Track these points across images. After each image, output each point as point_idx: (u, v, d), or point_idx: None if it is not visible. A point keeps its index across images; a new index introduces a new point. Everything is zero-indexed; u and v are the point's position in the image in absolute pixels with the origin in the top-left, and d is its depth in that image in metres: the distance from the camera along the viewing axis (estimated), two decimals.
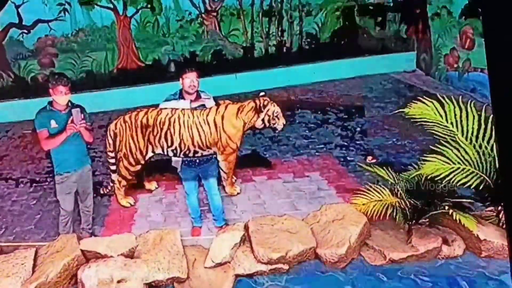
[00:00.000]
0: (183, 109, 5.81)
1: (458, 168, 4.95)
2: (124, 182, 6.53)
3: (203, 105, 5.87)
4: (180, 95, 5.81)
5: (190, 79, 5.63)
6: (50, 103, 5.53)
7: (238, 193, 6.74)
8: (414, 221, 5.23)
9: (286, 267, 4.92)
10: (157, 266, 4.76)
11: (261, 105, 5.87)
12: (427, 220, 5.20)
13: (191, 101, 5.83)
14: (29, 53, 11.53)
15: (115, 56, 12.13)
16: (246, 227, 5.22)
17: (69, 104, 5.59)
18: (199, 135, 5.70)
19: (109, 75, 12.07)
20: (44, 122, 5.51)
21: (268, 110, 5.87)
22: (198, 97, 5.83)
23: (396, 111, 5.50)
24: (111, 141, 6.38)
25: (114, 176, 6.63)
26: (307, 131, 9.35)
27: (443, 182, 4.96)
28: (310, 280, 4.87)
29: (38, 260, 4.93)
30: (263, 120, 5.92)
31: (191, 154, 5.81)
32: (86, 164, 5.85)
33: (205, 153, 5.85)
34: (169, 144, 5.79)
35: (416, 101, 5.27)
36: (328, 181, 7.24)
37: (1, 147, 9.58)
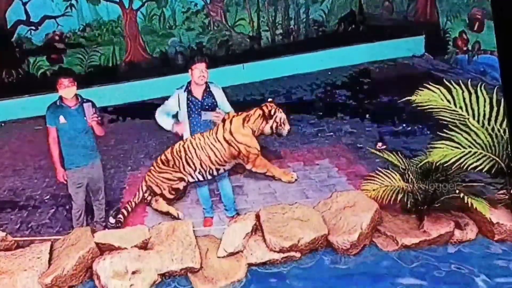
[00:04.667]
0: (193, 135, 5.81)
1: (470, 152, 4.91)
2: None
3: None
4: (188, 87, 5.80)
5: (199, 69, 5.62)
6: (61, 98, 5.58)
7: (296, 180, 6.51)
8: (425, 206, 5.22)
9: (298, 255, 4.94)
10: (171, 257, 4.80)
11: (270, 112, 5.86)
12: (439, 204, 5.18)
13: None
14: (38, 50, 11.57)
15: (123, 49, 12.16)
16: (257, 216, 5.23)
17: (79, 99, 5.64)
18: (215, 154, 5.72)
19: (117, 69, 12.10)
20: (53, 118, 5.58)
21: (276, 117, 5.87)
22: (207, 88, 5.83)
23: (403, 99, 5.45)
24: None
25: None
26: (316, 119, 9.33)
27: (453, 167, 4.93)
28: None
29: (53, 254, 4.99)
30: (271, 127, 5.90)
31: (215, 173, 5.85)
32: (95, 158, 5.90)
33: (227, 167, 5.88)
34: (194, 168, 5.80)
35: (422, 88, 5.24)
36: (338, 168, 7.24)
37: (14, 143, 9.67)
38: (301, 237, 4.91)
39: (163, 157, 5.98)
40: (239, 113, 5.98)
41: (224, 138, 5.73)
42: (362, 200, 5.28)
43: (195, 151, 5.74)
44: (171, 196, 5.96)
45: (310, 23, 12.95)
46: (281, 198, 6.45)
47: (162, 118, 5.89)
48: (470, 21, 10.77)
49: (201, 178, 5.90)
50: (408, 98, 5.30)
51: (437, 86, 5.22)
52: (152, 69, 11.90)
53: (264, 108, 5.87)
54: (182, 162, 5.78)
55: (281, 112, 5.91)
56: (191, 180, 5.91)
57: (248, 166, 5.93)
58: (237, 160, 5.85)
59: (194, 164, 5.77)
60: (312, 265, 4.94)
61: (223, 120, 5.83)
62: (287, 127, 5.95)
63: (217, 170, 5.85)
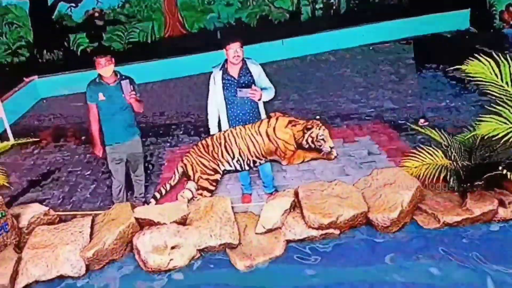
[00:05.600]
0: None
1: None
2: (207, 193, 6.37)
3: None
4: (224, 66, 5.75)
5: (233, 49, 5.56)
6: (100, 75, 5.62)
7: (335, 157, 6.45)
8: (468, 183, 5.08)
9: (337, 232, 4.89)
10: (209, 233, 4.81)
11: (307, 126, 5.80)
12: (482, 182, 5.03)
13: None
14: (78, 27, 11.70)
15: (162, 26, 12.17)
16: (296, 193, 5.19)
17: (118, 76, 5.67)
18: (254, 145, 5.70)
19: (157, 45, 12.14)
20: (93, 95, 5.64)
21: (311, 133, 5.81)
22: (244, 65, 5.78)
23: (452, 68, 5.27)
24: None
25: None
26: (356, 95, 9.19)
27: (500, 142, 4.76)
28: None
29: (95, 228, 5.06)
30: (306, 140, 5.85)
31: (251, 164, 5.83)
32: (135, 134, 5.95)
33: (263, 162, 5.86)
34: (232, 156, 5.79)
35: (473, 58, 5.04)
36: (378, 145, 7.12)
37: (55, 120, 9.86)
38: (340, 214, 4.84)
39: (203, 142, 6.00)
40: (285, 114, 5.97)
41: (266, 133, 5.72)
42: (403, 177, 5.15)
43: (235, 139, 5.73)
44: (213, 188, 5.97)
45: None
46: (320, 175, 6.40)
47: (211, 120, 5.94)
48: None
49: (238, 168, 5.89)
50: (458, 66, 5.12)
51: (487, 58, 5.02)
52: (190, 45, 11.88)
53: (306, 123, 5.81)
54: (221, 149, 5.78)
55: (319, 129, 5.79)
56: (228, 168, 5.91)
57: (284, 163, 5.91)
58: (273, 156, 5.82)
59: (232, 152, 5.77)
60: (351, 242, 4.88)
61: (269, 117, 5.82)
62: (328, 144, 5.81)
63: (254, 162, 5.84)
